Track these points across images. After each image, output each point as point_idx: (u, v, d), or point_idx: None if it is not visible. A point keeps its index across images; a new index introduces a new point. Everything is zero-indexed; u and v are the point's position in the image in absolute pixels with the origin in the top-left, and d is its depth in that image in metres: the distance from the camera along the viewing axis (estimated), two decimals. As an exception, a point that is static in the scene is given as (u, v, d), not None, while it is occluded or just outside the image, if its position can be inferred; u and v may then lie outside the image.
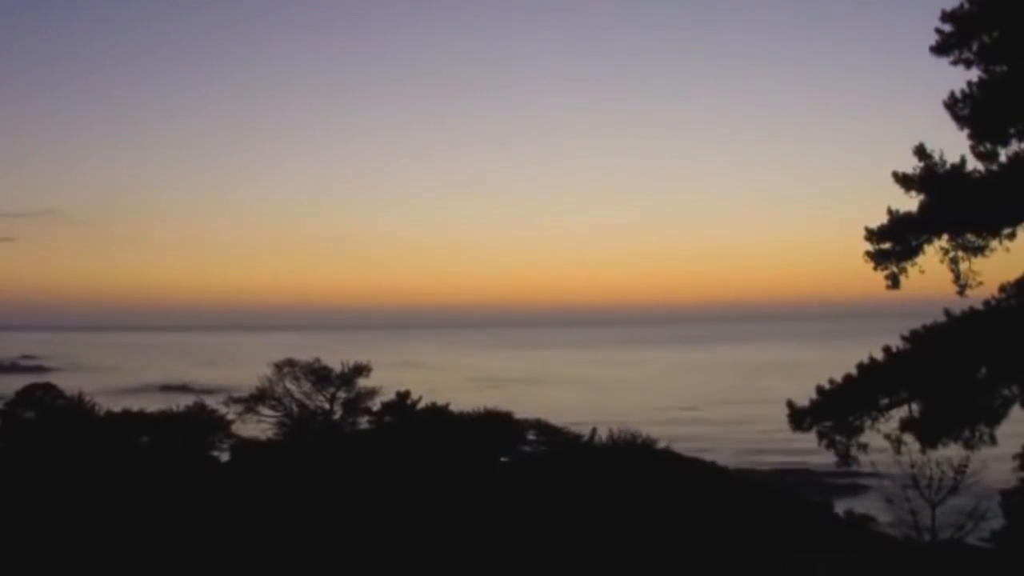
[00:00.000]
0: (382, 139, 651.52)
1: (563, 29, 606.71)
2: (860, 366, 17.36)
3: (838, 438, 17.37)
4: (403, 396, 38.79)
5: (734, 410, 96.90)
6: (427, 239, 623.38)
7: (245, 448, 36.36)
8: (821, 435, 17.50)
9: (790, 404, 17.68)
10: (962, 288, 17.30)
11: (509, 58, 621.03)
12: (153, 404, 42.16)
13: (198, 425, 36.42)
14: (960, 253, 17.35)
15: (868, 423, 17.25)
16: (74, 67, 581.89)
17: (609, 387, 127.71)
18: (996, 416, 16.85)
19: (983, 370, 17.04)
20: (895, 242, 17.62)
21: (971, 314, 17.11)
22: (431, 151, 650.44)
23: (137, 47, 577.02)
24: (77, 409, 37.12)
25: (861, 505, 41.74)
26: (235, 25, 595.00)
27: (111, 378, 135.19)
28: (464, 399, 42.03)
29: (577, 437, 38.17)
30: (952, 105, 17.28)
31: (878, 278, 17.91)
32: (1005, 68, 17.17)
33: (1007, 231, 17.25)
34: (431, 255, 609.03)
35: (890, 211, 17.63)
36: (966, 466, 24.33)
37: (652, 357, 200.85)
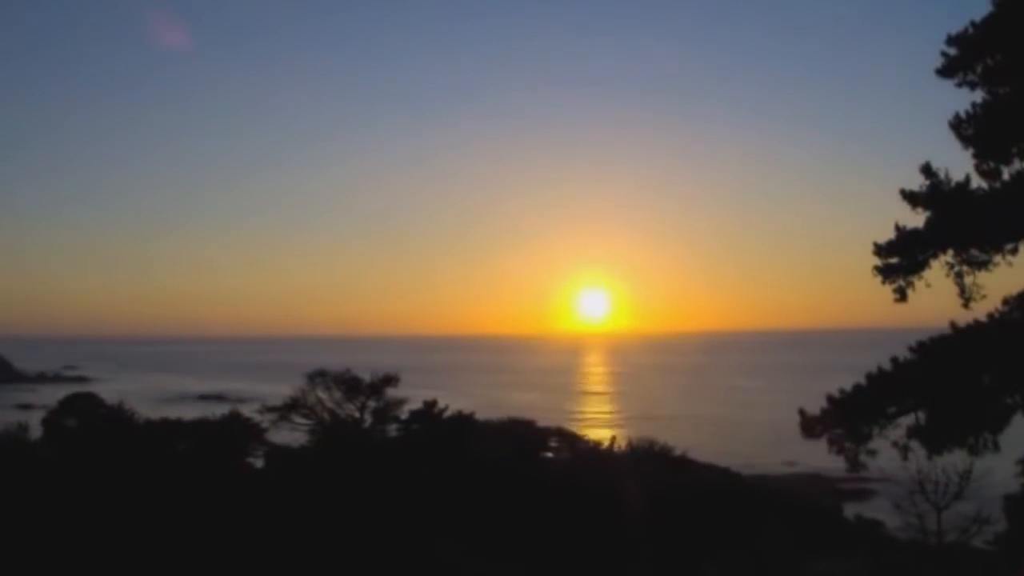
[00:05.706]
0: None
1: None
2: (869, 376, 18.01)
3: (848, 445, 17.99)
4: (430, 405, 39.69)
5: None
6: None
7: (279, 454, 37.39)
8: (831, 442, 18.13)
9: (802, 412, 18.38)
10: (967, 301, 17.87)
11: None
12: (191, 412, 43.36)
13: (234, 433, 37.47)
14: (965, 267, 17.93)
15: (876, 430, 17.85)
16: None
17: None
18: (999, 424, 17.45)
19: (987, 380, 17.62)
20: (902, 257, 18.21)
21: (975, 326, 17.70)
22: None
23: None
24: (117, 417, 38.31)
25: (870, 509, 42.35)
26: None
27: (150, 387, 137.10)
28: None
29: (597, 444, 38.97)
30: (957, 125, 17.98)
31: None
32: (1008, 90, 17.85)
33: (1010, 246, 17.82)
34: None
35: (897, 227, 18.25)
36: (971, 472, 24.88)
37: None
